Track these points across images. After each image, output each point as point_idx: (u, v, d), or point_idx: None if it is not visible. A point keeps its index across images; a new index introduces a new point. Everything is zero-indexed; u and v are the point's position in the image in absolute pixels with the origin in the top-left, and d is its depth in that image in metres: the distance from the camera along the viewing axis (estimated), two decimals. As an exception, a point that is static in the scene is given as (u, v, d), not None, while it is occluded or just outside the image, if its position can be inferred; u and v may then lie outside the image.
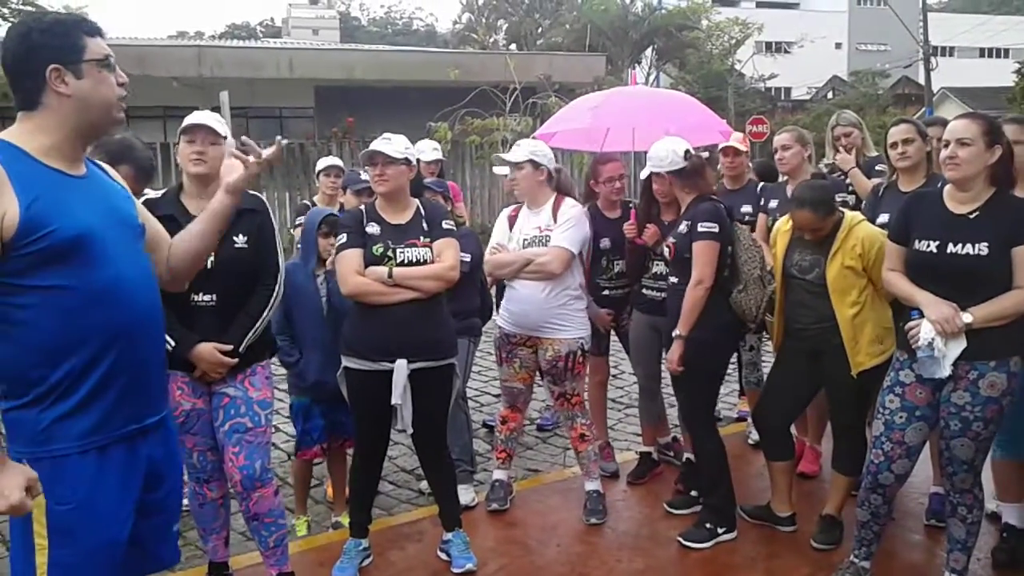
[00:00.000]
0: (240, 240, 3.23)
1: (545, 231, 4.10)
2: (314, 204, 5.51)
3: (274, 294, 3.35)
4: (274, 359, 3.64)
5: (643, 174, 4.15)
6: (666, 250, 3.98)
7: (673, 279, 4.00)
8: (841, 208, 3.86)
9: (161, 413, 2.26)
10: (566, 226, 4.09)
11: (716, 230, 3.81)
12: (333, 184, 5.33)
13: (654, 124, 4.73)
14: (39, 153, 2.03)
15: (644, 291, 4.46)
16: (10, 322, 1.98)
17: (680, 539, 3.93)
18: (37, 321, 1.97)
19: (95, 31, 2.10)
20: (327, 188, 5.43)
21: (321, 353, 3.95)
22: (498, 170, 5.86)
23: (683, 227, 3.89)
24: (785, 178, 4.89)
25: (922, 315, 3.13)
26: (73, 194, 2.04)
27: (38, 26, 2.07)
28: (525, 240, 4.12)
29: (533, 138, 4.84)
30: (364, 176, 4.51)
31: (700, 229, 3.81)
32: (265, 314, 3.32)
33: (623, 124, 4.98)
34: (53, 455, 2.01)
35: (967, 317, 3.04)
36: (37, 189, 1.97)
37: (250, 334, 3.26)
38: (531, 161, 4.11)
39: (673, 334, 3.85)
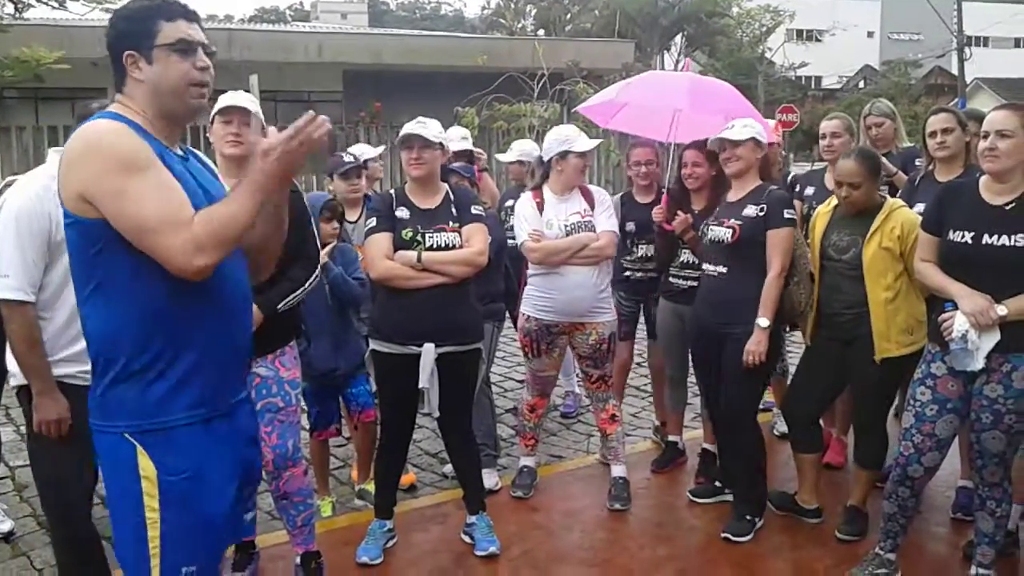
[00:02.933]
0: None
1: (587, 216, 4.10)
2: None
3: (316, 271, 3.37)
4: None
5: (737, 135, 3.82)
6: (727, 232, 3.81)
7: (721, 268, 3.85)
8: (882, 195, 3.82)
9: (245, 390, 2.30)
10: (608, 211, 4.16)
11: (795, 218, 3.84)
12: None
13: (702, 112, 4.60)
14: (146, 126, 2.06)
15: (671, 279, 4.44)
16: (126, 293, 1.98)
17: (727, 535, 3.86)
18: (148, 293, 1.97)
19: (177, 15, 2.08)
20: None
21: (328, 341, 3.96)
22: (502, 157, 5.83)
23: (751, 210, 3.78)
24: (824, 165, 4.82)
25: (956, 307, 3.09)
26: (179, 168, 2.07)
27: (122, 12, 2.10)
28: (567, 226, 4.08)
29: (575, 112, 4.78)
30: (347, 158, 4.44)
31: (786, 215, 3.77)
32: (306, 285, 3.32)
33: (655, 105, 4.88)
34: (163, 427, 2.02)
35: (1002, 309, 3.00)
36: (164, 159, 2.02)
37: (289, 298, 3.25)
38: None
39: (762, 324, 3.71)
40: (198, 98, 2.11)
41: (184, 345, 2.03)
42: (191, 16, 2.11)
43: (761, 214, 3.77)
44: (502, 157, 5.89)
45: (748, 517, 3.92)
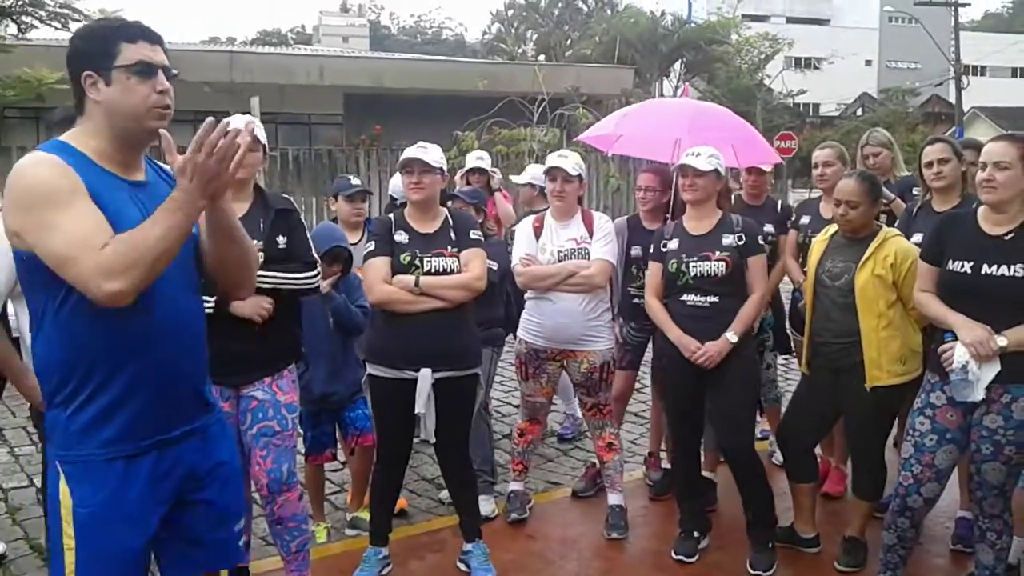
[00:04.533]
0: (282, 241, 3.25)
1: (582, 243, 4.08)
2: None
3: (317, 271, 3.31)
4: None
5: (702, 165, 3.81)
6: (720, 266, 3.78)
7: (712, 298, 3.79)
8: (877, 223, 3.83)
9: (195, 423, 2.20)
10: (605, 239, 4.10)
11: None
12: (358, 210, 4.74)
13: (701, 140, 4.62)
14: (94, 155, 2.04)
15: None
16: (55, 322, 2.00)
17: (755, 571, 3.78)
18: (72, 322, 1.98)
19: (138, 36, 2.05)
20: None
21: (326, 366, 3.95)
22: (515, 178, 5.85)
23: (730, 240, 3.81)
24: (819, 194, 4.83)
25: (955, 338, 3.09)
26: (123, 197, 2.03)
27: (83, 32, 2.11)
28: (560, 252, 4.07)
29: (575, 141, 4.80)
30: (355, 181, 4.47)
31: (760, 242, 3.91)
32: (297, 280, 3.23)
33: (644, 134, 4.90)
34: (81, 459, 2.03)
35: (1001, 340, 2.99)
36: (96, 189, 1.98)
37: (276, 278, 3.17)
38: (580, 175, 4.10)
39: (730, 337, 3.71)
40: (158, 120, 2.06)
41: (107, 379, 2.01)
42: (153, 38, 2.08)
43: (740, 243, 3.82)
44: (514, 179, 5.92)
45: (769, 545, 3.86)
